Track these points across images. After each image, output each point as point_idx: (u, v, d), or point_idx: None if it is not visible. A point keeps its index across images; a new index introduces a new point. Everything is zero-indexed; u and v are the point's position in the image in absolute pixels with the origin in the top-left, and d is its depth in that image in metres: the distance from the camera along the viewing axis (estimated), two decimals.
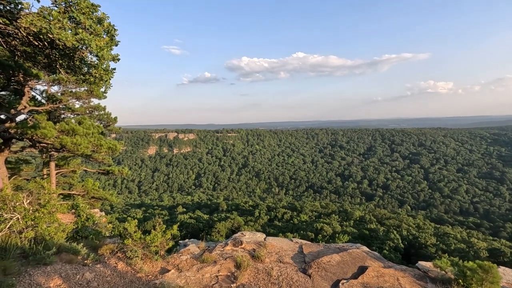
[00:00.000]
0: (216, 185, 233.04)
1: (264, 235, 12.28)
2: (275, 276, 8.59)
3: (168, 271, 8.44)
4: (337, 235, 51.94)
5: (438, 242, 55.04)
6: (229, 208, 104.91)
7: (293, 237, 21.49)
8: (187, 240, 12.24)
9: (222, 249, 10.36)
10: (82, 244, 8.85)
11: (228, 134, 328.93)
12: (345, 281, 8.51)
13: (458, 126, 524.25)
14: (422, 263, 10.14)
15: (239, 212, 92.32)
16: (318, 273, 8.94)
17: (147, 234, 9.35)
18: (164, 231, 9.62)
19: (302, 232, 58.23)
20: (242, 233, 12.31)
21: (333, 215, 79.33)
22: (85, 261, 7.99)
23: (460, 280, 8.14)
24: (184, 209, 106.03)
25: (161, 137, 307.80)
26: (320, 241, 47.38)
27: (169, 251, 10.05)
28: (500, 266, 10.04)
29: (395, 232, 58.26)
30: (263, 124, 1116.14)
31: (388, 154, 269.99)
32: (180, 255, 9.60)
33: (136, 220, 9.57)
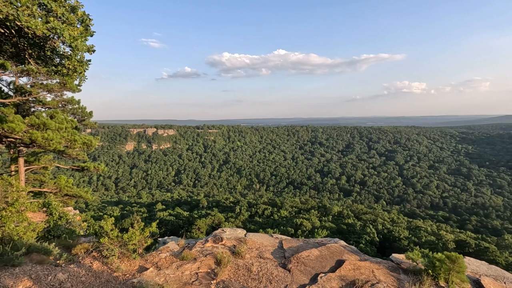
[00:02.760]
0: (197, 181, 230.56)
1: (244, 231, 12.33)
2: (255, 271, 8.66)
3: (147, 269, 8.27)
4: (316, 230, 53.08)
5: (411, 235, 57.79)
6: (209, 205, 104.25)
7: (273, 233, 21.73)
8: (166, 237, 12.05)
9: (202, 246, 10.29)
10: (54, 244, 8.47)
11: (209, 130, 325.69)
12: (323, 274, 8.74)
13: (431, 124, 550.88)
14: (395, 256, 10.61)
15: (220, 209, 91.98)
16: (297, 267, 9.11)
17: (124, 232, 9.10)
18: (142, 228, 9.40)
19: (282, 227, 59.01)
20: (223, 230, 12.29)
21: (313, 210, 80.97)
22: (58, 262, 7.66)
23: (430, 271, 8.61)
24: (164, 206, 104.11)
25: (140, 132, 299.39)
26: (300, 236, 48.28)
27: (148, 249, 9.85)
28: (466, 257, 10.71)
29: (371, 226, 60.48)
30: (245, 120, 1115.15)
31: (366, 151, 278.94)
32: (159, 253, 9.44)
33: (113, 218, 9.29)
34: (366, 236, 53.21)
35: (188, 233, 50.82)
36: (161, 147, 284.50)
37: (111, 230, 8.85)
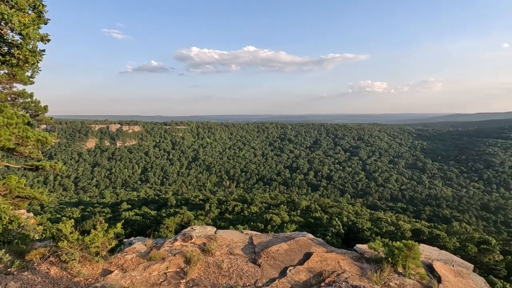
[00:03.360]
0: (165, 179, 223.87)
1: (214, 229, 12.26)
2: (225, 268, 8.66)
3: (111, 272, 7.89)
4: (285, 224, 54.32)
5: (373, 226, 61.43)
6: (178, 203, 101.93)
7: (243, 229, 21.84)
8: (132, 238, 11.57)
9: (171, 245, 10.06)
10: (4, 250, 7.74)
11: (178, 127, 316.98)
12: (292, 267, 8.99)
13: (391, 122, 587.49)
14: (359, 246, 11.21)
15: (189, 207, 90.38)
16: (267, 262, 9.27)
17: (86, 234, 8.59)
18: (106, 230, 8.94)
19: (252, 223, 59.52)
20: (192, 228, 12.11)
21: (282, 205, 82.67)
22: (9, 269, 7.03)
23: (390, 258, 9.24)
24: (129, 206, 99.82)
25: (102, 129, 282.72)
26: (270, 231, 49.09)
27: (112, 251, 9.39)
28: (420, 244, 11.64)
29: (337, 219, 63.24)
30: (215, 117, 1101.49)
31: (332, 147, 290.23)
32: (125, 255, 9.05)
33: (72, 220, 8.71)
34: (332, 228, 55.57)
35: (156, 232, 49.29)
36: (126, 144, 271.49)
37: (71, 233, 8.29)
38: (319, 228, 57.33)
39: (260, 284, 7.99)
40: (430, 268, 9.70)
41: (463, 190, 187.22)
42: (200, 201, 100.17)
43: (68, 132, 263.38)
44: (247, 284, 8.00)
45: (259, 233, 12.50)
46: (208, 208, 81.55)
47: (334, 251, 10.55)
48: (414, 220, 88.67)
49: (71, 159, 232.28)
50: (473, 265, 10.87)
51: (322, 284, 7.90)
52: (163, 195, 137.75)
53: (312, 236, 12.24)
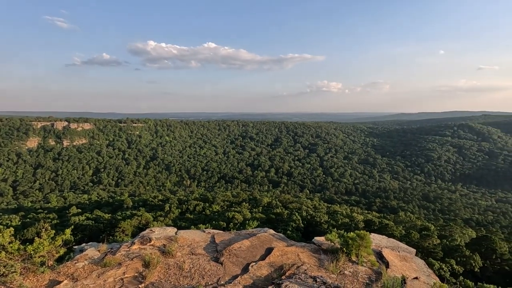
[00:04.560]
0: (120, 180, 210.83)
1: (175, 229, 11.94)
2: (187, 269, 8.51)
3: (60, 282, 7.27)
4: (247, 221, 54.71)
5: (330, 219, 64.73)
6: (135, 205, 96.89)
7: (205, 228, 21.57)
8: (84, 244, 10.76)
9: (128, 249, 9.57)
10: None
11: (134, 124, 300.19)
12: (254, 263, 9.14)
13: (345, 120, 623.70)
14: (317, 238, 11.79)
15: (148, 208, 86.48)
16: (229, 259, 9.30)
17: (28, 243, 7.77)
18: (52, 237, 8.19)
19: (214, 222, 58.91)
20: (151, 230, 11.65)
21: (244, 203, 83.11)
22: None
23: (344, 248, 9.88)
24: (80, 210, 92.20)
25: (46, 126, 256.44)
26: (232, 229, 49.00)
27: (61, 260, 8.65)
28: (372, 233, 12.62)
29: (297, 214, 65.41)
30: (174, 114, 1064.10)
31: (292, 144, 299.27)
32: (76, 263, 8.39)
33: (11, 229, 7.82)
34: (293, 223, 57.40)
35: (111, 237, 46.28)
36: (74, 143, 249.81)
37: (10, 242, 7.45)
38: (280, 223, 58.82)
39: (222, 282, 8.01)
40: (379, 255, 10.58)
41: (407, 183, 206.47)
42: (160, 202, 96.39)
43: (4, 130, 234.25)
44: (209, 283, 7.96)
45: (221, 232, 12.48)
46: (168, 208, 78.83)
47: (294, 245, 10.96)
48: (366, 211, 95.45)
49: (8, 161, 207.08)
50: (415, 250, 12.11)
51: (283, 277, 8.17)
52: (118, 197, 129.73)
53: (273, 232, 12.57)
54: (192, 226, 49.60)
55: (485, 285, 27.62)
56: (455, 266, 36.91)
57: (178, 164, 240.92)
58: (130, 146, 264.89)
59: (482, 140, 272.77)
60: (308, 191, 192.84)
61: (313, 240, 11.72)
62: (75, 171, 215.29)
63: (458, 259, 38.97)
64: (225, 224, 56.86)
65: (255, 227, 44.18)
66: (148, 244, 10.00)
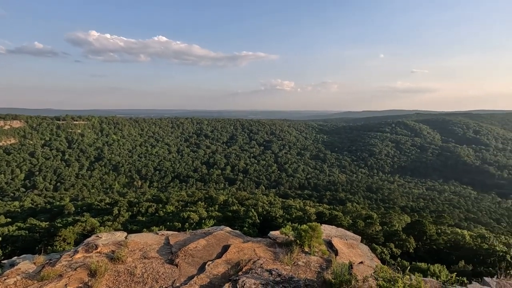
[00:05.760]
0: (59, 184, 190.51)
1: (125, 234, 11.25)
2: (139, 274, 8.09)
3: None
4: (203, 221, 53.78)
5: (284, 213, 67.02)
6: (78, 210, 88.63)
7: (159, 230, 20.68)
8: (15, 258, 9.51)
9: (71, 259, 8.74)
10: None
11: (75, 122, 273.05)
12: (210, 262, 9.07)
13: (298, 118, 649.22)
14: (272, 233, 12.12)
15: (93, 213, 79.82)
16: (185, 260, 9.08)
17: None
18: None
19: (169, 223, 56.87)
20: (98, 236, 10.80)
21: (200, 202, 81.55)
22: None
23: (298, 240, 10.34)
24: (9, 219, 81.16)
25: None
26: (188, 229, 47.77)
27: None
28: (323, 224, 13.40)
29: (253, 210, 66.39)
30: (122, 111, 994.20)
31: (247, 142, 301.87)
32: (5, 279, 7.40)
33: None
34: (249, 219, 58.15)
35: (50, 247, 41.70)
36: (1, 144, 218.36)
37: None
38: (237, 220, 59.10)
39: (178, 284, 7.79)
40: (330, 244, 11.30)
41: (354, 176, 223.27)
42: (107, 205, 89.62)
43: None
44: (163, 286, 7.68)
45: (176, 233, 12.11)
46: (117, 212, 73.74)
47: (250, 241, 11.12)
48: (318, 204, 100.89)
49: None
50: (360, 237, 13.19)
51: (240, 273, 8.25)
52: (58, 203, 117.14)
53: (230, 229, 12.59)
54: (145, 229, 47.20)
55: (418, 263, 31.34)
56: (394, 249, 41.17)
57: (127, 164, 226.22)
58: (71, 146, 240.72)
59: (415, 135, 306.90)
60: (263, 187, 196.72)
61: (268, 234, 12.03)
62: (3, 175, 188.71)
63: (396, 242, 43.52)
64: (180, 224, 55.31)
65: (211, 226, 43.68)
66: (94, 252, 9.26)
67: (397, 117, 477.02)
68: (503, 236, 54.11)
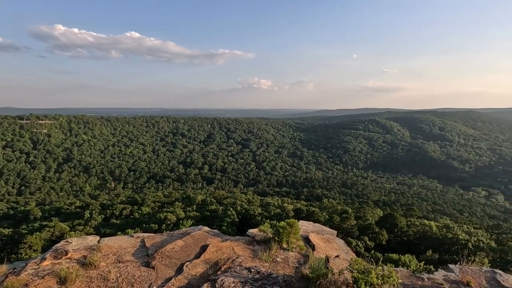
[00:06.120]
0: (24, 187, 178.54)
1: (98, 238, 10.78)
2: (113, 279, 7.80)
3: None
4: (181, 221, 52.93)
5: (263, 211, 67.49)
6: (46, 215, 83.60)
7: (134, 233, 20.02)
8: None
9: (38, 266, 8.24)
10: None
11: (40, 121, 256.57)
12: (188, 262, 8.94)
13: (275, 116, 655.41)
14: (251, 231, 12.16)
15: (63, 217, 75.68)
16: (162, 262, 8.88)
17: None
18: None
19: (144, 225, 55.28)
20: (67, 241, 10.26)
21: (177, 202, 79.92)
22: None
23: (276, 237, 10.46)
24: None
25: None
26: (165, 231, 46.70)
27: None
28: (300, 220, 13.65)
29: (231, 209, 66.15)
30: (93, 109, 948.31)
31: (225, 140, 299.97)
32: None
33: None
34: (228, 218, 57.92)
35: (14, 255, 38.99)
36: None
37: None
38: (215, 220, 58.67)
39: (154, 287, 7.60)
40: (307, 240, 11.54)
41: (330, 172, 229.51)
42: (77, 209, 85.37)
43: None
44: None
45: (152, 234, 11.80)
46: (89, 215, 70.49)
47: (229, 240, 11.09)
48: (295, 201, 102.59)
49: None
50: (336, 232, 13.60)
51: (219, 272, 8.21)
52: (22, 208, 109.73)
53: (208, 229, 12.47)
54: (119, 232, 45.58)
55: (390, 255, 32.91)
56: (368, 242, 42.91)
57: (99, 166, 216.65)
58: (36, 147, 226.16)
59: (386, 133, 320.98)
60: (242, 185, 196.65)
61: (247, 232, 12.06)
62: None
63: (370, 235, 45.38)
64: (157, 226, 53.99)
65: (189, 226, 42.98)
66: (63, 258, 8.79)
67: (369, 115, 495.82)
68: (465, 226, 58.32)
